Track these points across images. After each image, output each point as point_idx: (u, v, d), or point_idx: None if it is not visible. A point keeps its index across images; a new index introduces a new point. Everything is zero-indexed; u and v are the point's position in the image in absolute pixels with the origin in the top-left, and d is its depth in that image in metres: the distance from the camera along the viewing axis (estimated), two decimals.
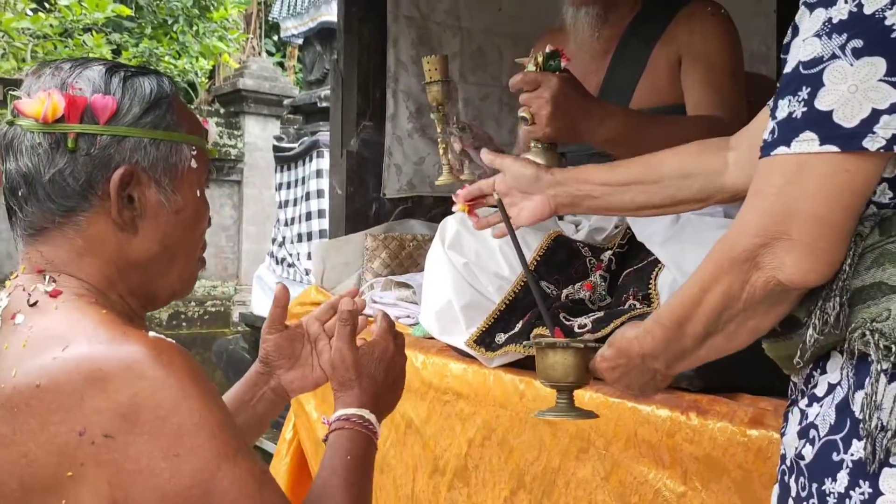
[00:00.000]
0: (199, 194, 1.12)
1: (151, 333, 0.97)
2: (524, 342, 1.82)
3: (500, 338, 1.99)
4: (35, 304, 0.99)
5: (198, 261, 1.16)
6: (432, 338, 2.22)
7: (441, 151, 1.88)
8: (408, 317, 2.51)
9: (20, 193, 1.03)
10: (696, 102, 1.99)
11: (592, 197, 1.44)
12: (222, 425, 0.93)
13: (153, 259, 1.07)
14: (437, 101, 1.84)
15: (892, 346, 0.88)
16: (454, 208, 1.61)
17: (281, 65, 11.35)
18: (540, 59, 1.71)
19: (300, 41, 7.38)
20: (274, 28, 12.03)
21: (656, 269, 1.86)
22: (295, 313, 2.93)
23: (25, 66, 6.17)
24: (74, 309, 0.99)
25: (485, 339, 2.00)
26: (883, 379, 0.88)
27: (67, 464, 0.90)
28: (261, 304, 6.51)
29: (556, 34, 2.30)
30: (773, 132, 0.93)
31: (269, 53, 12.09)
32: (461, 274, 2.07)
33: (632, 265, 1.97)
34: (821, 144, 0.88)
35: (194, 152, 1.10)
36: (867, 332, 0.91)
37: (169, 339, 0.96)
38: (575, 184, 1.45)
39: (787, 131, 0.91)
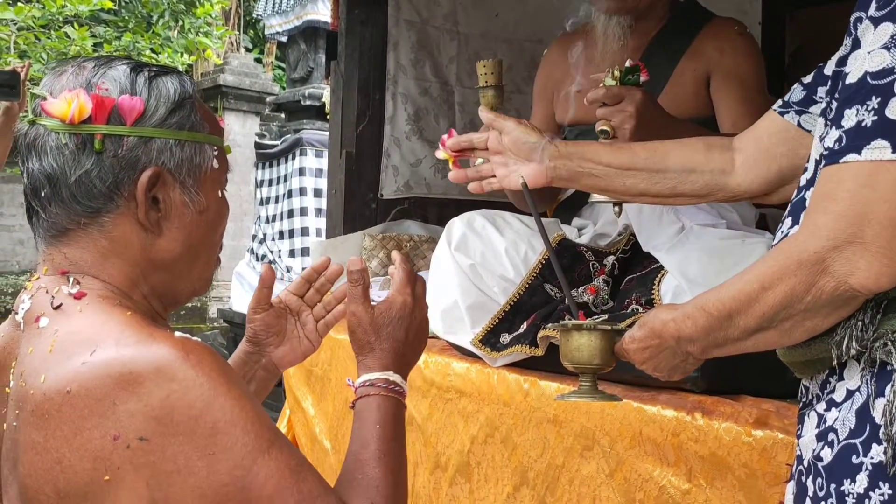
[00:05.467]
0: (220, 194, 1.12)
1: (177, 333, 0.97)
2: (549, 325, 1.83)
3: (505, 338, 2.05)
4: (59, 306, 0.99)
5: (216, 260, 1.17)
6: (434, 336, 2.27)
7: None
8: None
9: (43, 194, 1.02)
10: (734, 120, 2.04)
11: (594, 176, 1.45)
12: (254, 420, 0.94)
13: (176, 259, 1.07)
14: (492, 106, 1.84)
15: None
16: (437, 153, 1.61)
17: (259, 61, 11.32)
18: (617, 73, 1.74)
19: (284, 39, 7.39)
20: (251, 23, 12.01)
21: (660, 275, 1.92)
22: None
23: (8, 57, 6.11)
24: (100, 311, 0.98)
25: (490, 339, 2.06)
26: None
27: (104, 468, 0.90)
28: (240, 301, 6.51)
29: (565, 42, 2.35)
30: (839, 140, 0.96)
31: (247, 49, 12.05)
32: (467, 275, 2.12)
33: (635, 271, 2.03)
34: (893, 152, 0.91)
35: (216, 152, 1.10)
36: (889, 343, 0.95)
37: (195, 339, 0.97)
38: (578, 160, 1.45)
39: (857, 139, 0.94)
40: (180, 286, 1.11)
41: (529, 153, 1.47)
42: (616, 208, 1.70)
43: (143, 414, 0.89)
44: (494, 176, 1.52)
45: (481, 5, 3.28)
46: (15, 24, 6.33)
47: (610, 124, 1.73)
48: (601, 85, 1.78)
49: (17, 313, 1.03)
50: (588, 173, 1.45)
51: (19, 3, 6.45)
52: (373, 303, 1.22)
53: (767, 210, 2.07)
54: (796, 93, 1.27)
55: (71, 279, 1.01)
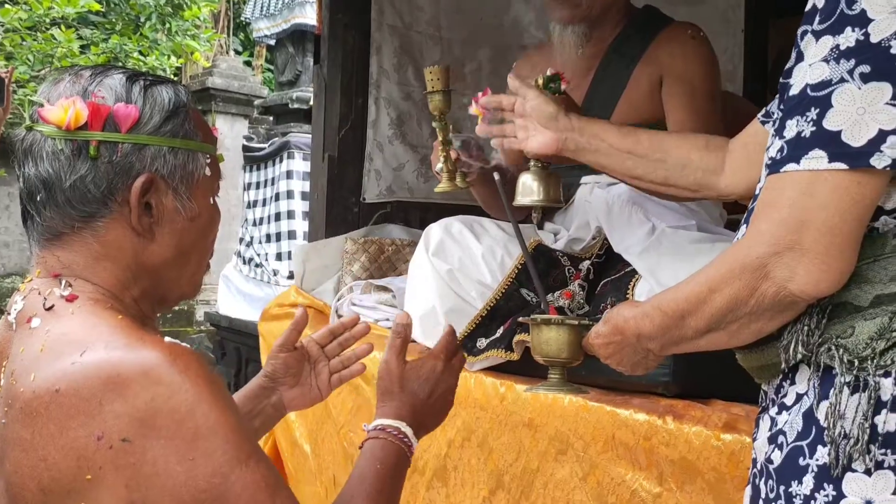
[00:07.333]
0: (212, 201, 1.15)
1: (167, 339, 0.99)
2: (521, 319, 1.89)
3: (482, 343, 2.06)
4: (51, 308, 1.01)
5: (207, 265, 1.19)
6: (413, 341, 2.28)
7: (442, 160, 1.93)
8: (387, 320, 2.57)
9: (39, 198, 1.05)
10: (678, 125, 2.08)
11: (598, 152, 1.53)
12: (236, 430, 0.96)
13: (167, 264, 1.10)
14: (439, 111, 1.89)
15: (855, 360, 0.96)
16: (470, 109, 1.72)
17: (248, 63, 11.31)
18: (540, 82, 1.77)
19: (272, 42, 7.39)
20: (241, 26, 12.00)
21: (633, 280, 1.94)
22: (274, 314, 2.97)
23: None
24: (90, 313, 1.01)
25: (466, 344, 2.07)
26: (846, 391, 0.96)
27: (86, 467, 0.91)
28: (226, 304, 6.50)
29: (533, 55, 2.39)
30: (781, 150, 0.98)
31: (237, 52, 12.04)
32: (445, 280, 2.13)
33: (609, 275, 2.05)
34: (829, 162, 0.94)
35: (209, 160, 1.13)
36: (833, 347, 0.98)
37: (184, 345, 0.99)
38: (588, 136, 1.54)
39: (797, 149, 0.96)
40: (170, 290, 1.14)
41: (545, 122, 1.56)
42: (536, 213, 1.74)
43: (128, 415, 0.92)
44: (516, 137, 1.63)
45: (464, 11, 3.29)
46: (1, 27, 6.32)
47: None
48: None
49: (9, 314, 1.06)
50: (594, 149, 1.54)
51: (6, 5, 6.43)
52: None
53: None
54: (776, 103, 1.30)
55: (63, 282, 1.04)
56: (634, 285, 1.93)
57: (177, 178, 1.08)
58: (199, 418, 0.93)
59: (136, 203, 1.05)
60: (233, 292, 6.50)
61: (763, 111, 1.32)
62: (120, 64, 7.23)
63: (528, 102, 1.58)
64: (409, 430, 1.22)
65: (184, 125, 1.09)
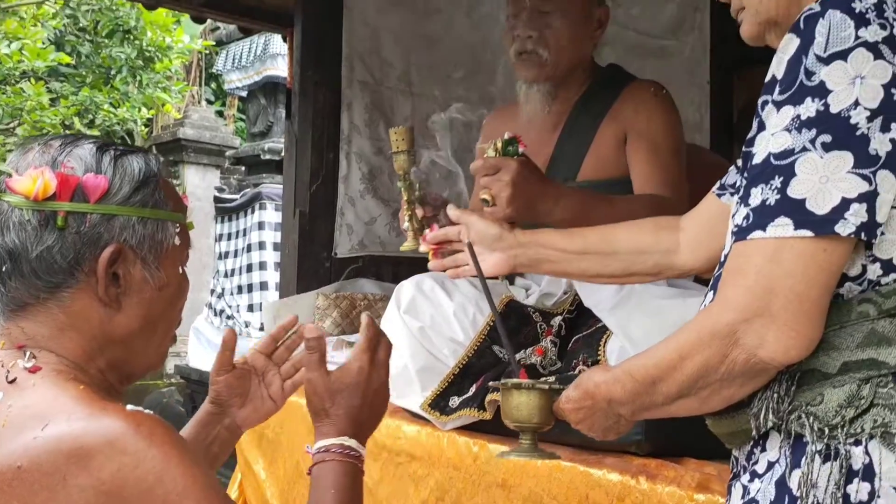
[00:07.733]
0: (180, 270, 1.14)
1: (129, 406, 0.98)
2: (491, 382, 1.88)
3: (454, 401, 2.05)
4: (13, 381, 1.00)
5: (173, 337, 1.19)
6: None
7: (407, 218, 1.93)
8: None
9: (4, 269, 1.04)
10: (643, 181, 2.11)
11: (550, 261, 1.55)
12: (205, 489, 0.95)
13: (134, 334, 1.09)
14: (404, 170, 1.90)
15: (826, 428, 0.97)
16: (421, 248, 1.73)
17: (220, 113, 11.34)
18: (499, 145, 1.80)
19: (244, 93, 7.44)
20: (213, 76, 12.05)
21: (605, 336, 1.94)
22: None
23: None
24: (52, 385, 1.00)
25: (439, 403, 2.05)
26: (818, 459, 0.96)
27: None
28: (198, 357, 6.42)
29: (503, 112, 2.42)
30: (747, 217, 1.00)
31: (209, 102, 12.08)
32: (417, 338, 2.12)
33: (581, 331, 2.05)
34: (795, 229, 0.95)
35: (178, 229, 1.13)
36: (803, 415, 0.99)
37: (147, 411, 0.98)
38: (535, 247, 1.55)
39: (762, 216, 0.97)
40: (137, 360, 1.13)
41: (492, 244, 1.58)
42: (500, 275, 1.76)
43: (94, 489, 0.90)
44: (468, 264, 1.61)
45: (434, 67, 3.34)
46: None
47: (490, 193, 1.78)
48: (484, 156, 1.84)
49: None
50: (545, 259, 1.55)
51: None
52: (331, 367, 1.23)
53: None
54: (731, 175, 1.33)
55: (27, 353, 1.03)
56: (606, 342, 1.93)
57: (145, 248, 1.08)
58: (169, 485, 0.92)
59: (103, 273, 1.04)
60: (203, 344, 6.43)
61: (717, 184, 1.34)
62: (90, 116, 7.22)
63: (472, 229, 1.59)
64: (353, 443, 1.17)
65: (154, 195, 1.09)
